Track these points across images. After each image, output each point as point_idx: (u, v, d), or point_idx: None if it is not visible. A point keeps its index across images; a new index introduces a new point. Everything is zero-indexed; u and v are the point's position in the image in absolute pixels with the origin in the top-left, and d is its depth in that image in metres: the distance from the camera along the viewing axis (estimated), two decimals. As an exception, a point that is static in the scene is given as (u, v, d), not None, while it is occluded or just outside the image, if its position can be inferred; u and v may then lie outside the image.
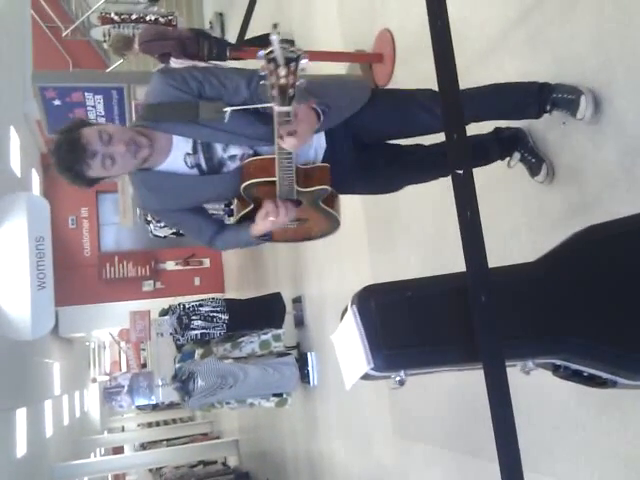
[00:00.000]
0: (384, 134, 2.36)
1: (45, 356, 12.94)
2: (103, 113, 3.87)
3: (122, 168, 1.97)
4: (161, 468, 14.97)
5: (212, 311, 7.11)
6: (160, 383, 9.96)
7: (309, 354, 6.65)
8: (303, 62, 1.44)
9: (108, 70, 9.41)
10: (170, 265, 13.78)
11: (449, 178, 1.57)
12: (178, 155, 2.05)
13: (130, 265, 13.42)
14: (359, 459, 5.38)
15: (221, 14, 10.15)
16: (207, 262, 13.84)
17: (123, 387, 10.46)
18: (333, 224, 2.27)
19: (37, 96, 3.76)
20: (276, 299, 7.42)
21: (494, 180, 2.85)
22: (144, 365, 15.64)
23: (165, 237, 10.11)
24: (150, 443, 19.11)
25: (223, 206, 7.04)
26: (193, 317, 7.02)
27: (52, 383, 13.89)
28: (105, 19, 9.16)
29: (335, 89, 2.17)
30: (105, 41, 8.24)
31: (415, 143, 2.48)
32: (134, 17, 9.03)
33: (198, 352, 6.53)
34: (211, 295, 8.75)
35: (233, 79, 2.02)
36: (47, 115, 3.86)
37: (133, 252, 13.78)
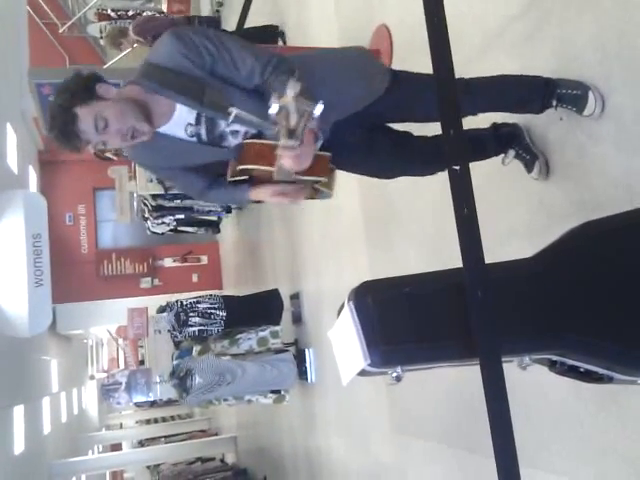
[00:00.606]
0: (393, 117, 2.32)
1: (43, 353, 12.94)
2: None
3: (115, 147, 1.95)
4: (159, 465, 14.96)
5: (210, 308, 7.11)
6: (158, 380, 9.99)
7: (307, 350, 6.65)
8: (317, 112, 1.44)
9: (105, 66, 9.39)
10: (168, 262, 13.78)
11: (446, 174, 1.57)
12: (180, 122, 1.99)
13: (128, 262, 13.42)
14: (357, 456, 5.38)
15: (218, 10, 10.15)
16: (205, 259, 13.85)
17: (121, 384, 10.46)
18: (326, 197, 2.23)
19: (33, 92, 3.75)
20: (274, 296, 7.41)
21: (491, 176, 2.85)
22: (142, 362, 15.64)
23: (163, 234, 10.12)
24: (148, 440, 19.11)
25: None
26: (191, 314, 7.01)
27: (50, 380, 13.89)
28: (102, 15, 9.16)
29: (353, 75, 2.11)
30: (102, 38, 8.24)
31: (421, 135, 2.44)
32: (131, 13, 9.04)
33: (196, 349, 6.53)
34: (209, 292, 8.74)
35: (247, 63, 1.90)
36: (44, 112, 3.84)
37: (131, 249, 13.78)
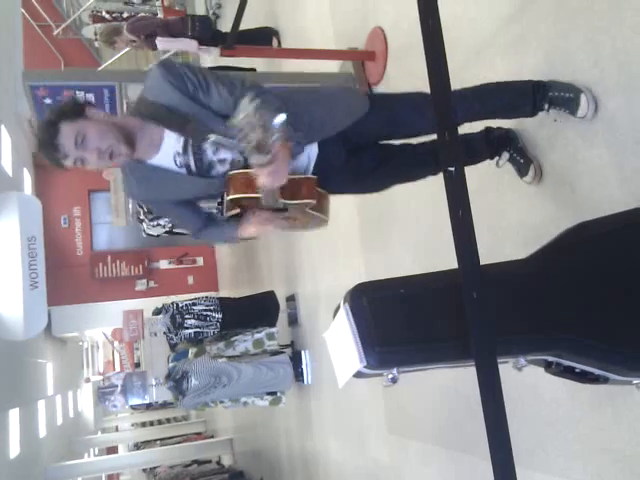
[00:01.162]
0: (375, 136, 2.37)
1: (38, 356, 12.90)
2: (95, 112, 3.86)
3: (96, 167, 1.99)
4: (155, 468, 14.93)
5: (206, 310, 7.10)
6: (154, 382, 9.96)
7: (303, 352, 6.65)
8: (278, 121, 1.52)
9: (100, 69, 9.38)
10: (163, 264, 13.75)
11: (441, 177, 1.57)
12: (169, 153, 2.06)
13: (123, 264, 13.38)
14: (353, 457, 5.38)
15: (215, 13, 10.15)
16: (201, 261, 13.83)
17: (117, 387, 10.44)
18: (321, 223, 2.28)
19: (28, 95, 3.74)
20: (270, 297, 7.41)
21: (485, 180, 2.86)
22: (137, 365, 15.63)
23: (158, 236, 10.08)
24: (144, 443, 19.07)
25: (217, 204, 7.03)
26: (187, 316, 7.01)
27: (45, 383, 13.85)
28: (96, 18, 9.16)
29: (332, 101, 2.22)
30: (96, 40, 8.23)
31: (404, 142, 2.49)
32: (125, 15, 9.04)
33: (192, 351, 6.51)
34: (205, 294, 8.75)
35: (223, 95, 2.00)
36: (38, 114, 3.84)
37: (126, 251, 13.74)
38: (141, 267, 13.48)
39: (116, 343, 16.29)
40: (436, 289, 1.64)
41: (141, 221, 9.47)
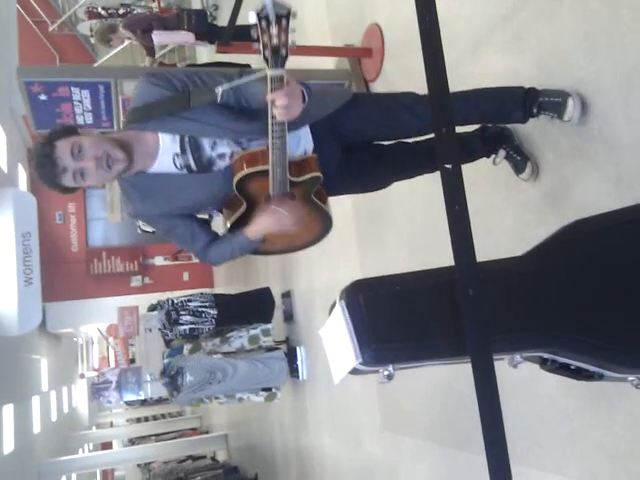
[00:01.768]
0: (368, 135, 2.38)
1: (32, 352, 12.89)
2: (90, 108, 3.84)
3: (96, 181, 1.97)
4: (150, 463, 14.94)
5: (201, 306, 7.10)
6: (149, 378, 9.96)
7: (298, 348, 6.66)
8: (294, 20, 1.50)
9: (95, 65, 9.36)
10: (159, 260, 13.76)
11: (438, 174, 1.57)
12: (167, 156, 2.04)
13: (118, 260, 13.38)
14: (348, 452, 5.39)
15: (212, 14, 10.12)
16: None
17: (111, 383, 10.43)
18: (326, 223, 2.29)
19: (23, 91, 3.72)
20: (265, 294, 7.42)
21: (481, 177, 2.86)
22: (132, 361, 15.61)
23: (154, 232, 10.06)
24: (139, 438, 19.09)
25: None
26: (182, 312, 7.01)
27: (40, 379, 13.84)
28: (92, 14, 9.13)
29: (318, 92, 2.20)
30: (92, 36, 8.21)
31: (398, 141, 2.50)
32: (121, 12, 8.99)
33: (187, 347, 6.51)
34: (200, 290, 8.73)
35: (215, 78, 2.02)
36: (33, 110, 3.82)
37: (121, 247, 13.73)
38: (136, 263, 13.48)
39: (111, 339, 16.27)
40: (432, 286, 1.64)
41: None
